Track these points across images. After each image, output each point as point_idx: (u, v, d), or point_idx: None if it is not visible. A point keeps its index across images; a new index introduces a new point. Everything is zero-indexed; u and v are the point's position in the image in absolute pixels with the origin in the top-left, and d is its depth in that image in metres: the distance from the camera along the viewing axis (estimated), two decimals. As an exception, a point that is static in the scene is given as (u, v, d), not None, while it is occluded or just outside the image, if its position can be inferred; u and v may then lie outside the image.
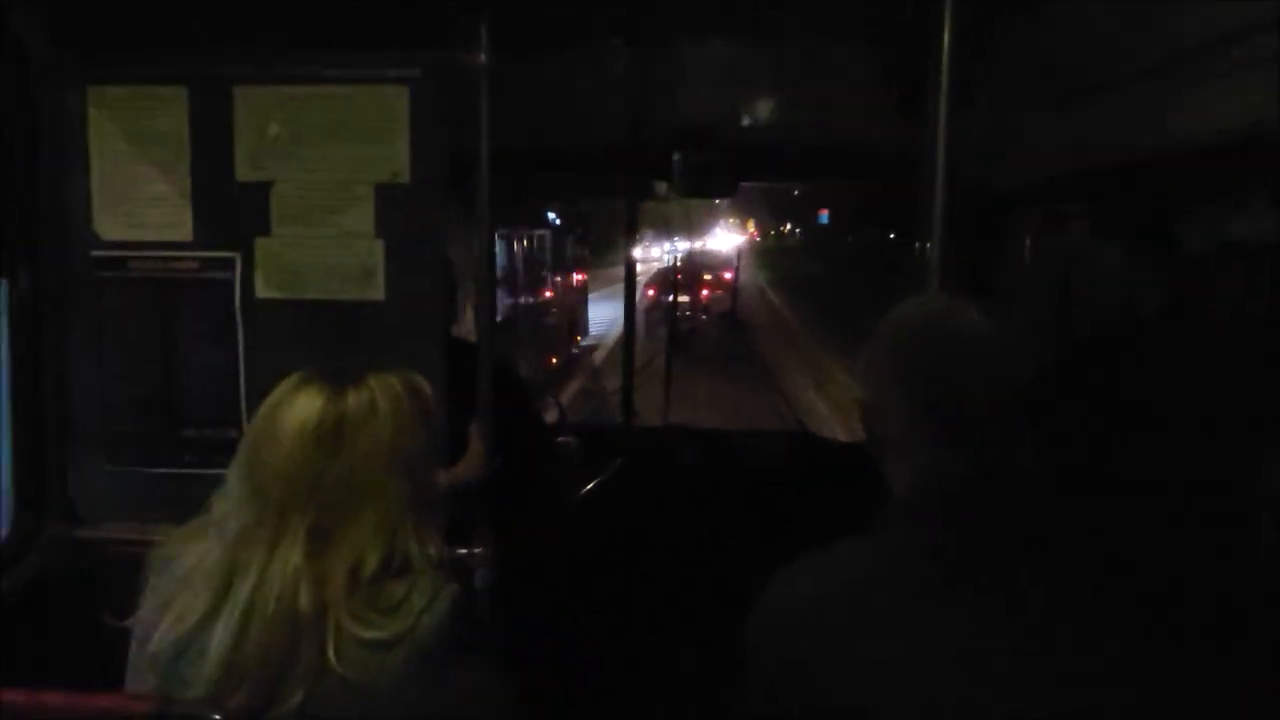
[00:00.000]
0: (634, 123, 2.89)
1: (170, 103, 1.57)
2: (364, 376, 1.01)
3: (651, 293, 15.12)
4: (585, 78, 2.60)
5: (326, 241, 1.58)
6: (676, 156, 2.91)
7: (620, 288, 3.53)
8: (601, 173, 3.10)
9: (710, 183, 3.00)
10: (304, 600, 0.91)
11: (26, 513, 1.67)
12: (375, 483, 0.96)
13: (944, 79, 1.59)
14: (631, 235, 3.40)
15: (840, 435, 4.78)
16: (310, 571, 0.93)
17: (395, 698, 0.91)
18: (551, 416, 3.12)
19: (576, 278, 12.39)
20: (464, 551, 1.53)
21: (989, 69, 2.19)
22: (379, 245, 1.58)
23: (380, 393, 1.00)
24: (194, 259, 1.61)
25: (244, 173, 1.58)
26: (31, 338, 1.64)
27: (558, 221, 10.78)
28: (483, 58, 1.49)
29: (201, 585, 0.95)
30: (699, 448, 3.11)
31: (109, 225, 1.62)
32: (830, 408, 8.68)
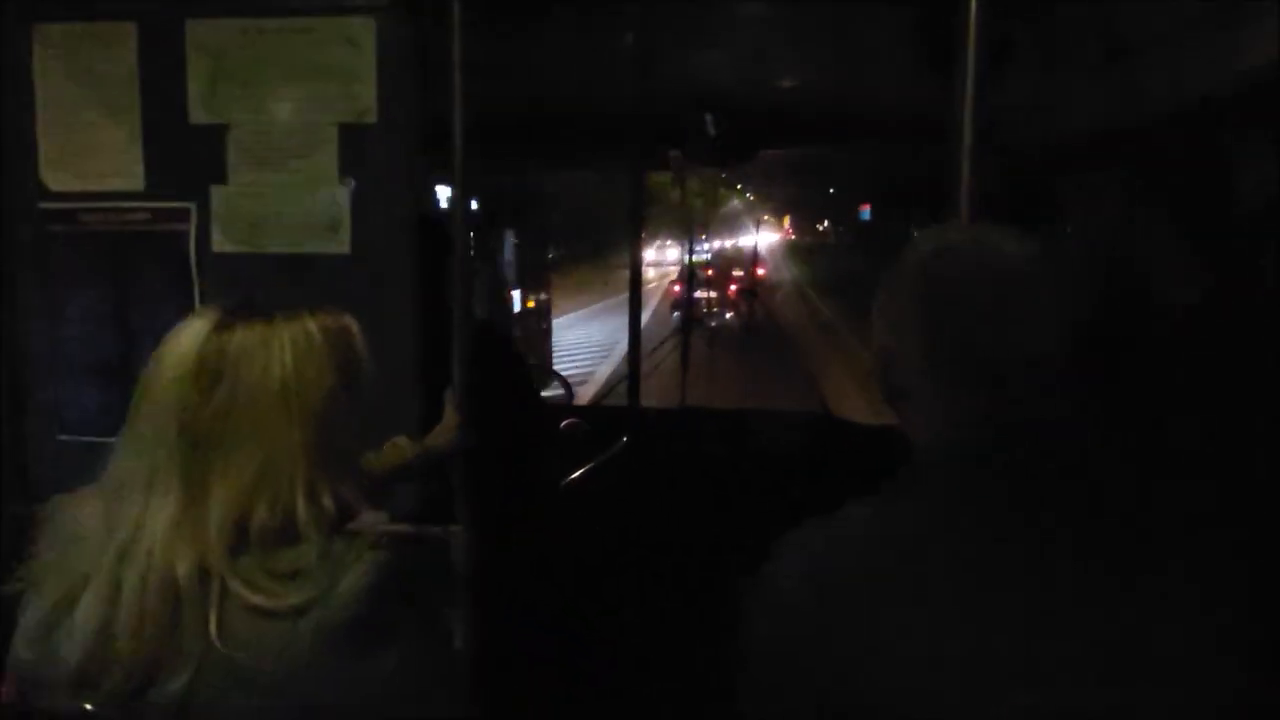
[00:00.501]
0: (642, 84, 2.73)
1: (119, 40, 1.45)
2: (271, 312, 0.87)
3: (678, 289, 14.85)
4: (586, 34, 2.45)
5: (287, 189, 1.44)
6: (689, 121, 2.76)
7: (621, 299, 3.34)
8: (606, 140, 2.93)
9: (726, 149, 2.84)
10: (181, 560, 0.77)
11: (-24, 486, 1.56)
12: (260, 426, 0.82)
13: (971, 35, 1.44)
14: (637, 215, 3.19)
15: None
16: (188, 526, 0.79)
17: (301, 683, 0.76)
18: (557, 398, 3.00)
19: (517, 296, 8.29)
20: (439, 529, 1.40)
21: (1031, 23, 2.02)
22: (344, 193, 1.44)
23: (281, 328, 0.86)
24: (146, 210, 1.48)
25: (198, 115, 1.45)
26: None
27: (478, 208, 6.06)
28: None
29: (76, 548, 0.82)
30: (714, 429, 2.96)
31: (57, 176, 1.50)
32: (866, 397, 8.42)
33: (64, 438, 1.55)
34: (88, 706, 0.72)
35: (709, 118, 2.77)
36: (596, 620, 2.25)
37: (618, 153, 2.99)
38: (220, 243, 1.47)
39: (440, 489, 1.43)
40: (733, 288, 18.55)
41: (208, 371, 0.83)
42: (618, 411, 3.24)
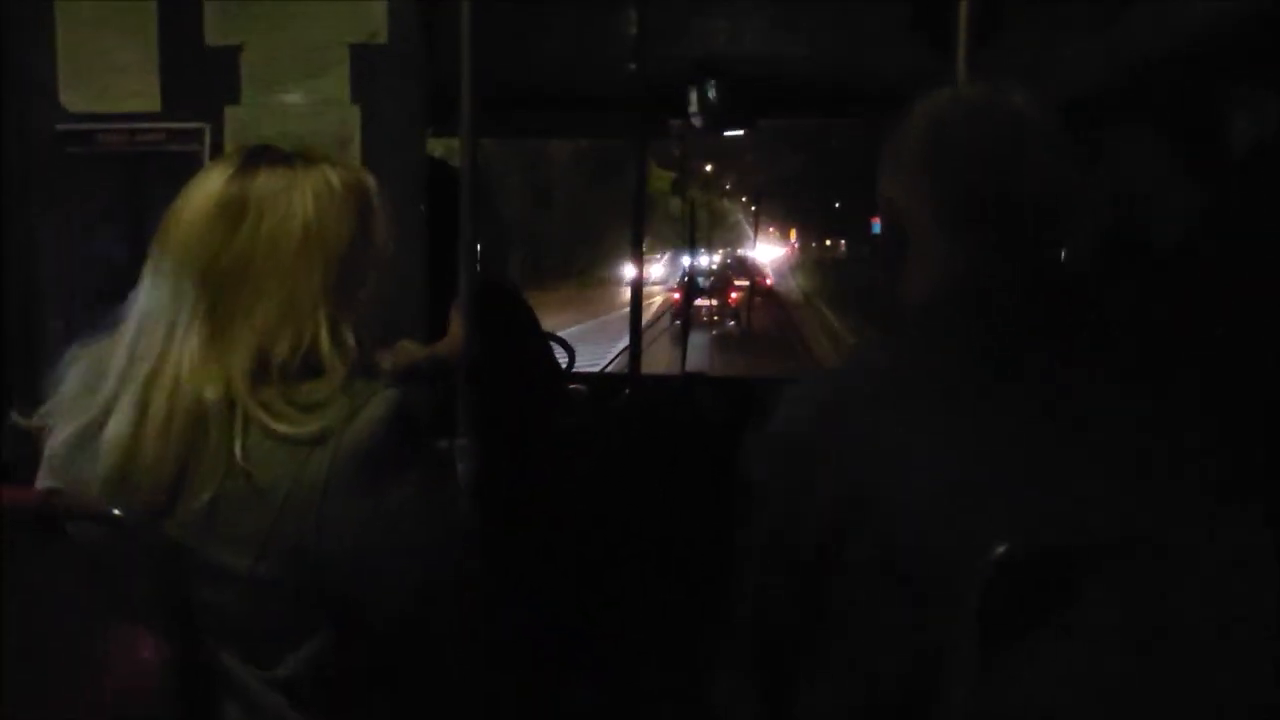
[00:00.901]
0: (643, 53, 2.78)
1: (137, -37, 1.49)
2: (292, 158, 0.90)
3: (677, 297, 14.82)
4: (588, 6, 2.50)
5: (299, 109, 1.48)
6: (690, 89, 2.80)
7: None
8: (607, 109, 2.98)
9: (724, 116, 2.88)
10: (209, 389, 0.81)
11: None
12: (283, 267, 0.85)
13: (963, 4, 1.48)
14: (640, 186, 3.23)
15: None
16: (212, 357, 0.82)
17: (315, 505, 0.80)
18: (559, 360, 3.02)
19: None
20: (445, 442, 1.43)
21: None
22: (355, 112, 1.48)
23: (303, 174, 0.89)
24: (162, 130, 1.52)
25: (213, 37, 1.49)
26: (-5, 217, 1.56)
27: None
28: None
29: (100, 379, 0.86)
30: (714, 395, 2.99)
31: (75, 97, 1.54)
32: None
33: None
34: (115, 512, 0.75)
35: (708, 85, 2.82)
36: (590, 571, 2.27)
37: (619, 120, 3.04)
38: (234, 161, 1.51)
39: (446, 400, 1.46)
40: (733, 296, 18.61)
41: (231, 212, 0.86)
42: (619, 378, 3.27)
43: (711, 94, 2.77)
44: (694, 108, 2.84)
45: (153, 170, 1.53)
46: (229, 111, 1.50)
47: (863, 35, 2.66)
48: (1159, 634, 0.67)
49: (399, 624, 0.85)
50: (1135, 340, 0.82)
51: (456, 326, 1.47)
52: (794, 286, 29.07)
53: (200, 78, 1.50)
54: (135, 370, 0.84)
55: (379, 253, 0.94)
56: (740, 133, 3.22)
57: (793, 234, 42.41)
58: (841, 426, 0.79)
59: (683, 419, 2.89)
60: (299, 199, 0.87)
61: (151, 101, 1.52)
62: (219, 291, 0.84)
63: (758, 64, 2.82)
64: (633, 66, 2.92)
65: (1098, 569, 0.67)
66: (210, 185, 0.88)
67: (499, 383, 1.55)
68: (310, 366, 0.84)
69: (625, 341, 3.10)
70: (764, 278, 27.17)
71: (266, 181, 0.87)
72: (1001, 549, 0.65)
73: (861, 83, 2.85)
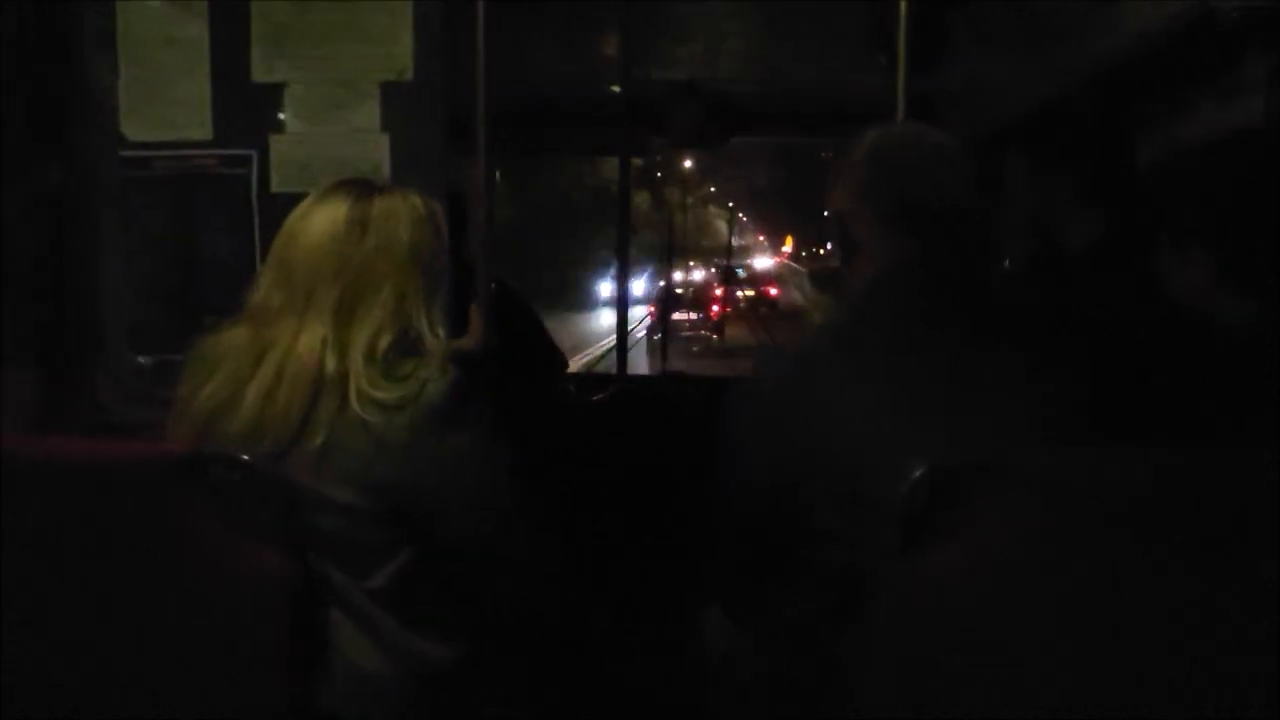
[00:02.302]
0: (625, 77, 3.02)
1: (193, 10, 1.71)
2: (388, 186, 1.14)
3: (652, 309, 14.84)
4: (576, 30, 2.73)
5: (336, 138, 1.71)
6: (667, 109, 3.04)
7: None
8: (591, 127, 3.22)
9: (701, 135, 3.13)
10: (329, 364, 1.04)
11: (52, 399, 1.79)
12: (394, 270, 1.09)
13: (902, 30, 1.72)
14: (624, 197, 3.48)
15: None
16: (334, 341, 1.05)
17: (401, 453, 1.03)
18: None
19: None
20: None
21: (962, 16, 2.31)
22: (384, 140, 1.70)
23: (401, 198, 1.14)
24: (213, 156, 1.73)
25: (259, 74, 1.71)
26: (60, 234, 1.76)
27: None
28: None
29: (237, 360, 1.08)
30: (694, 394, 3.21)
31: (136, 127, 1.75)
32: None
33: (141, 359, 1.79)
34: (245, 458, 0.96)
35: (686, 107, 3.06)
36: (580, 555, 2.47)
37: (604, 138, 3.28)
38: (277, 184, 1.72)
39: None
40: (714, 309, 18.69)
41: (356, 230, 1.09)
42: (604, 377, 3.50)
43: (688, 116, 3.02)
44: (668, 127, 3.09)
45: (205, 190, 1.75)
46: (273, 140, 1.72)
47: (829, 60, 2.91)
48: (1031, 535, 0.90)
49: (466, 543, 1.09)
50: (1022, 321, 1.07)
51: (476, 321, 1.70)
52: (796, 297, 28.70)
53: (248, 110, 1.72)
54: (270, 353, 1.06)
55: (446, 261, 1.17)
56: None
57: (789, 241, 42.12)
58: (803, 379, 1.03)
59: (663, 414, 3.11)
60: (404, 218, 1.12)
61: (204, 131, 1.74)
62: (345, 291, 1.07)
63: (731, 85, 3.07)
64: (615, 89, 3.17)
65: (987, 485, 0.90)
66: (336, 209, 1.11)
67: (508, 371, 1.78)
68: (402, 349, 1.06)
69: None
70: (769, 286, 26.43)
71: (382, 204, 1.11)
72: (919, 470, 0.89)
73: (829, 104, 3.10)
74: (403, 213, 1.12)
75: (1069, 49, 2.06)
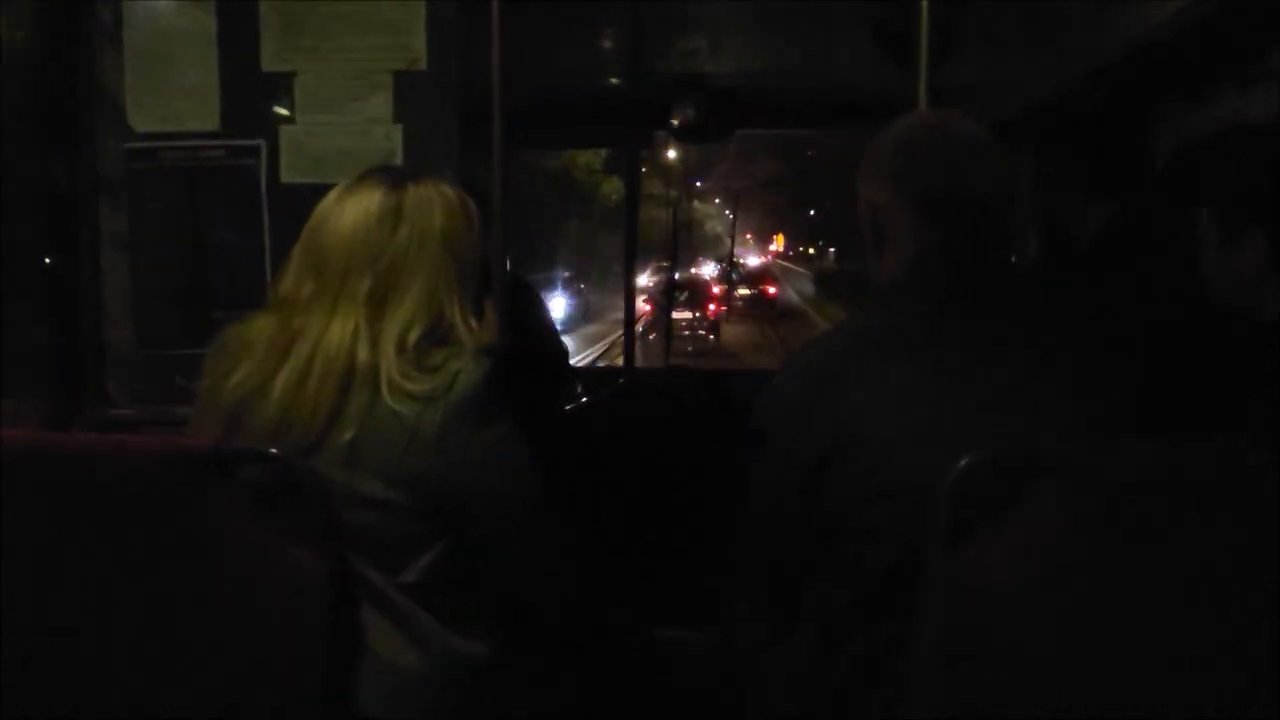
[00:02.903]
0: (631, 71, 3.00)
1: (201, 1, 1.68)
2: (420, 175, 1.12)
3: (649, 307, 14.80)
4: (582, 24, 2.71)
5: (347, 128, 1.68)
6: (672, 103, 3.03)
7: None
8: (599, 122, 3.21)
9: (705, 129, 3.11)
10: (361, 354, 1.02)
11: (64, 394, 1.76)
12: (427, 259, 1.07)
13: (924, 27, 1.70)
14: (633, 190, 3.49)
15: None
16: (366, 334, 1.03)
17: (434, 444, 1.01)
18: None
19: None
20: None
21: (974, 13, 2.30)
22: (397, 130, 1.68)
23: (434, 187, 1.12)
24: (221, 147, 1.70)
25: (269, 64, 1.68)
26: (68, 227, 1.73)
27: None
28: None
29: (264, 350, 1.06)
30: (698, 387, 3.21)
31: (142, 118, 1.72)
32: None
33: (143, 351, 1.76)
34: (272, 451, 0.94)
35: (692, 100, 3.05)
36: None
37: (611, 133, 3.26)
38: (287, 174, 1.70)
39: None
40: (711, 307, 18.67)
41: (390, 220, 1.07)
42: (612, 370, 3.48)
43: (693, 107, 3.01)
44: (677, 119, 3.07)
45: (213, 181, 1.72)
46: (283, 130, 1.69)
47: (833, 53, 2.90)
48: (1076, 527, 0.89)
49: (499, 536, 1.07)
50: (1052, 312, 1.06)
51: (490, 315, 1.68)
52: (792, 296, 28.15)
53: (257, 100, 1.69)
54: (300, 343, 1.04)
55: (479, 252, 1.15)
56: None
57: (780, 239, 41.79)
58: (829, 377, 1.01)
59: (668, 406, 3.10)
60: (438, 208, 1.10)
61: (211, 121, 1.71)
62: (378, 281, 1.05)
63: (736, 80, 3.06)
64: (615, 81, 3.15)
65: (1033, 476, 0.89)
66: (369, 198, 1.08)
67: (521, 366, 1.76)
68: (434, 339, 1.04)
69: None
70: (768, 285, 25.87)
71: (415, 194, 1.09)
72: (964, 461, 0.87)
73: (831, 97, 3.10)
74: (436, 202, 1.10)
75: (1082, 43, 2.05)
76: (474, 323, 1.09)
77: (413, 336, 1.04)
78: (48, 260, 1.74)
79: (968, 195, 1.06)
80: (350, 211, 1.08)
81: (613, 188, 19.97)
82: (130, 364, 1.76)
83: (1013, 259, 1.14)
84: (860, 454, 0.98)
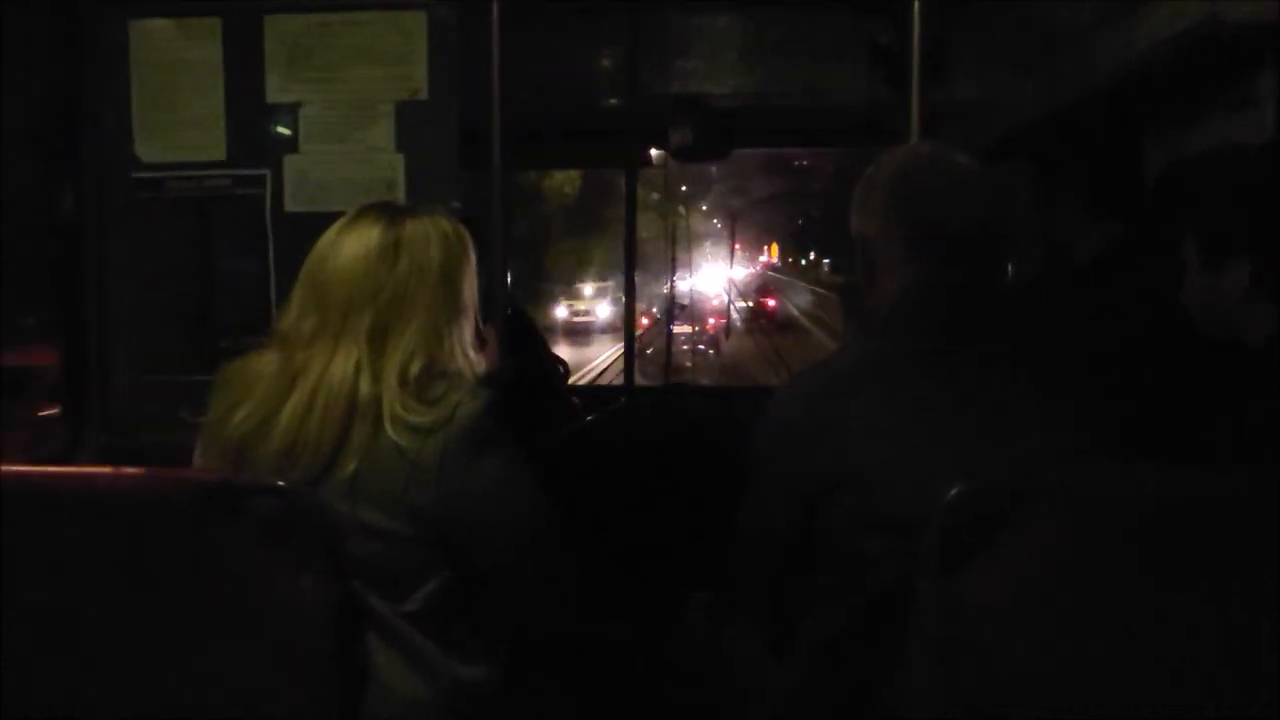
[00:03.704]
0: (629, 91, 3.04)
1: (206, 32, 1.71)
2: (417, 209, 1.14)
3: (646, 321, 14.68)
4: (581, 46, 2.75)
5: (351, 157, 1.71)
6: (669, 123, 3.06)
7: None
8: (597, 141, 3.25)
9: (702, 148, 3.14)
10: (363, 388, 1.04)
11: (70, 421, 1.78)
12: (427, 293, 1.09)
13: (915, 46, 1.73)
14: (630, 208, 3.52)
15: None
16: (367, 368, 1.05)
17: (435, 475, 1.03)
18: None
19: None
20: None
21: (968, 33, 2.33)
22: (400, 159, 1.71)
23: (431, 222, 1.14)
24: (227, 176, 1.73)
25: (274, 95, 1.71)
26: (75, 256, 1.76)
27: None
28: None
29: (268, 385, 1.08)
30: (698, 404, 3.23)
31: (149, 148, 1.75)
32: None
33: (149, 378, 1.79)
34: (279, 484, 0.96)
35: (688, 120, 3.08)
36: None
37: (609, 152, 3.30)
38: (291, 203, 1.73)
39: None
40: (711, 321, 18.75)
41: (390, 253, 1.09)
42: (613, 389, 3.51)
43: (690, 127, 3.04)
44: (671, 140, 3.10)
45: (218, 210, 1.75)
46: (288, 160, 1.72)
47: (828, 74, 2.94)
48: (1066, 555, 0.92)
49: (500, 566, 1.09)
50: (1045, 340, 1.08)
51: (492, 345, 1.70)
52: (790, 309, 27.71)
53: (262, 130, 1.72)
54: (303, 379, 1.06)
55: (476, 283, 1.18)
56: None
57: (774, 250, 41.56)
58: (826, 406, 1.04)
59: (670, 422, 3.12)
60: (436, 241, 1.12)
61: (217, 151, 1.74)
62: (379, 315, 1.08)
63: (732, 100, 3.10)
64: (613, 101, 3.19)
65: (1019, 505, 0.91)
66: (368, 233, 1.11)
67: (519, 389, 1.79)
68: (434, 371, 1.07)
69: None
70: (767, 298, 25.60)
71: (414, 228, 1.12)
72: (954, 491, 0.89)
73: (827, 117, 3.13)
74: (434, 236, 1.12)
75: (1076, 62, 2.08)
76: (473, 354, 1.11)
77: (414, 369, 1.06)
78: (55, 290, 1.76)
79: (957, 228, 1.08)
80: (350, 247, 1.10)
81: (565, 178, 19.22)
82: (136, 392, 1.79)
83: (1009, 282, 1.16)
84: (859, 484, 1.00)
